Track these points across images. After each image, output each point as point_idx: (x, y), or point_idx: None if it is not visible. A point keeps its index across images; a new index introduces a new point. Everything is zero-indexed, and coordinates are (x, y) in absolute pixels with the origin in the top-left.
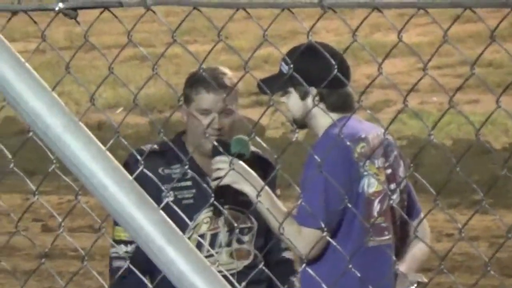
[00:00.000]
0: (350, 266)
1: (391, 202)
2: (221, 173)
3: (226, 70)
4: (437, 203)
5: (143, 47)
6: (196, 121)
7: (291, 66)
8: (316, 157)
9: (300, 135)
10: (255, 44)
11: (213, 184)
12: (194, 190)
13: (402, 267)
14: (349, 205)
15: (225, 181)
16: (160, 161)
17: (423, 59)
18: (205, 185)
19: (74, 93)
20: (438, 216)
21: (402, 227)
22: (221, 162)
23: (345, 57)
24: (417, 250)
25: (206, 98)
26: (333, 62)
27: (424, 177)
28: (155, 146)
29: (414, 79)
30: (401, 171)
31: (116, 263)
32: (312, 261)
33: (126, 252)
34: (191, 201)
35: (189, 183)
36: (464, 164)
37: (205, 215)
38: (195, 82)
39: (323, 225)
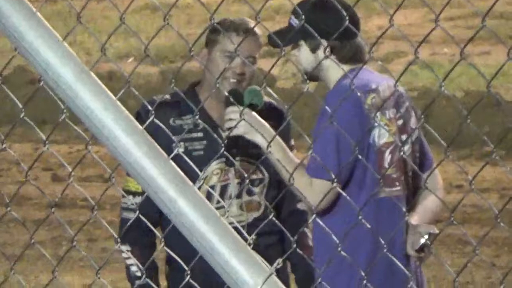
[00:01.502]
0: (361, 217)
1: (402, 153)
2: (233, 124)
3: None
4: (447, 155)
5: None
6: (219, 64)
7: (303, 18)
8: (327, 108)
9: (311, 86)
10: None
11: (225, 134)
12: (205, 142)
13: (413, 218)
14: (360, 156)
15: (237, 132)
16: (172, 112)
17: (434, 11)
18: (216, 137)
19: (85, 43)
20: (448, 167)
21: (414, 179)
22: (233, 113)
23: (357, 8)
24: (428, 202)
25: (235, 40)
26: (344, 14)
27: (435, 128)
28: (167, 97)
29: (426, 30)
30: (413, 123)
31: (125, 214)
32: (323, 213)
33: (134, 204)
34: (202, 152)
35: (200, 134)
36: (475, 116)
37: (215, 166)
38: (223, 25)
39: (333, 177)
